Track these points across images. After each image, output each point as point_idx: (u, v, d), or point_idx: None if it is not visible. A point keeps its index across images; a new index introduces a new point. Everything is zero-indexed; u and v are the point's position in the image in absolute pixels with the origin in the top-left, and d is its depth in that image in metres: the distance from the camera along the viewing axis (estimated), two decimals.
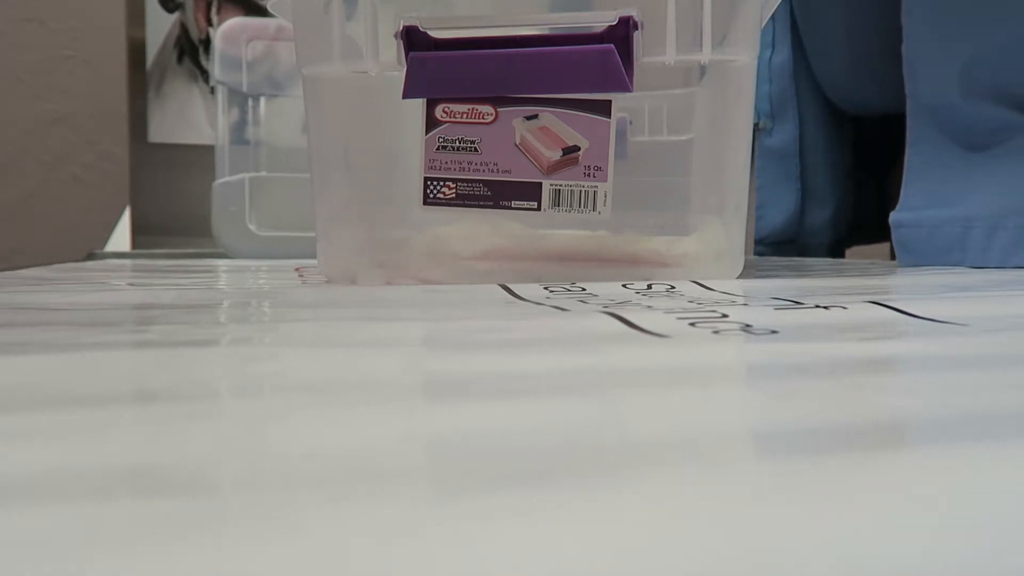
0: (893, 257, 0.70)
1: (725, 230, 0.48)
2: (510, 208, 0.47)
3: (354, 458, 0.14)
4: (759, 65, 0.91)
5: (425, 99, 0.46)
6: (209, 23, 1.30)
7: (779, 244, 0.93)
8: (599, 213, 0.46)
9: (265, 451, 0.15)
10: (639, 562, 0.10)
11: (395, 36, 0.46)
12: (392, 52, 0.46)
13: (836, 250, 0.96)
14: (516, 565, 0.10)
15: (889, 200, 0.84)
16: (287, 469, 0.14)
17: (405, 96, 0.46)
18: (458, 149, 0.47)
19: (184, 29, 1.30)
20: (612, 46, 0.45)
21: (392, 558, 0.10)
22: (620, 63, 0.45)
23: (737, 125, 0.48)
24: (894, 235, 0.67)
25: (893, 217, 0.67)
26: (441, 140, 0.47)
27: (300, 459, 0.14)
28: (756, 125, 0.91)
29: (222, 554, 0.10)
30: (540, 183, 0.46)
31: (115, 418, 0.17)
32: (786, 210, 0.92)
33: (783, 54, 0.90)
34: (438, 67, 0.46)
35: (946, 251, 0.63)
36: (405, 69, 0.46)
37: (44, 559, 0.10)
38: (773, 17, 0.88)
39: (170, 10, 1.30)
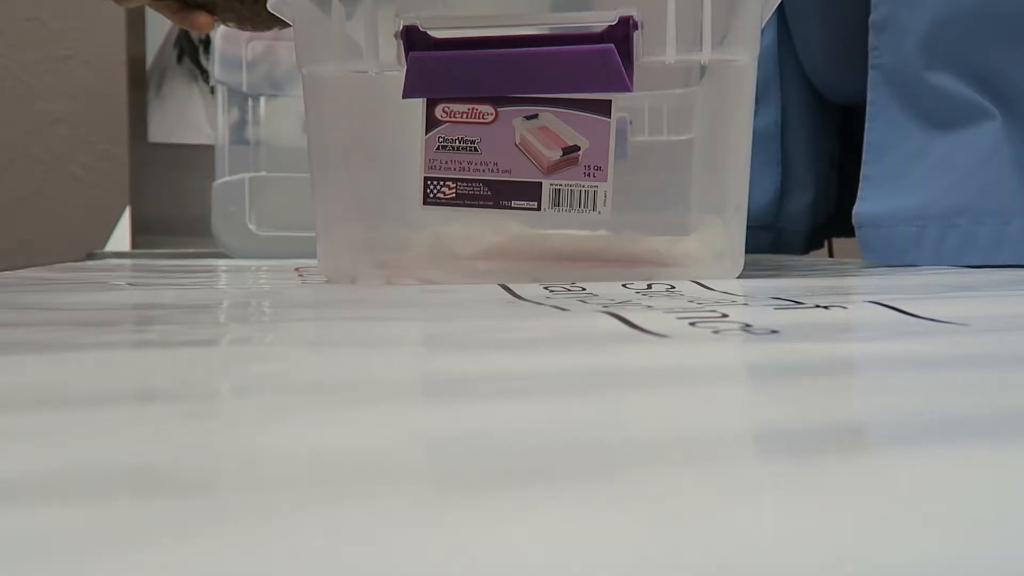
0: None
1: (725, 230, 0.48)
2: (510, 208, 0.47)
3: (354, 458, 0.14)
4: None
5: (425, 99, 0.46)
6: None
7: (757, 229, 0.91)
8: (599, 213, 0.46)
9: (265, 451, 0.15)
10: (639, 561, 0.10)
11: (395, 36, 0.46)
12: (392, 52, 0.46)
13: (814, 238, 0.95)
14: (516, 564, 0.10)
15: None
16: (287, 469, 0.14)
17: (405, 96, 0.46)
18: (458, 149, 0.47)
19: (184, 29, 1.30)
20: (612, 46, 0.45)
21: (391, 558, 0.10)
22: (620, 63, 0.45)
23: (737, 125, 0.48)
24: (857, 235, 0.67)
25: (855, 213, 0.67)
26: (441, 140, 0.47)
27: (300, 459, 0.14)
28: None
29: (222, 554, 0.10)
30: (540, 183, 0.46)
31: (115, 418, 0.17)
32: (765, 195, 0.90)
33: (768, 37, 0.88)
34: (438, 67, 0.46)
35: (903, 250, 0.64)
36: (405, 69, 0.46)
37: (44, 559, 0.10)
38: None
39: None
